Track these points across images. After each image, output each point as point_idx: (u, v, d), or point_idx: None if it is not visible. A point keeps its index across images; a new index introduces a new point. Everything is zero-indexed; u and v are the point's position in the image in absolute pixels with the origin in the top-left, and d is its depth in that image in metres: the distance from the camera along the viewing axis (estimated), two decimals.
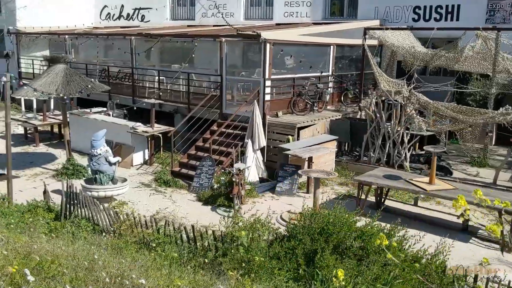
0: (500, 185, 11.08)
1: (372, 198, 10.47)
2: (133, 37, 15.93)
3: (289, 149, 11.46)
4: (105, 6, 23.79)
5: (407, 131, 12.37)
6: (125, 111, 14.33)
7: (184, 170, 12.40)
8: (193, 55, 14.77)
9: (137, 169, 13.12)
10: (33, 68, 20.25)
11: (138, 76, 16.48)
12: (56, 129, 16.52)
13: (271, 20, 19.49)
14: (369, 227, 5.74)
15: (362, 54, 14.76)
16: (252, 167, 11.72)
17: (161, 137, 13.66)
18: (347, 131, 13.23)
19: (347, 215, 6.08)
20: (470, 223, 9.19)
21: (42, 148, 15.15)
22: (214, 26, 19.14)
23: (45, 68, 20.22)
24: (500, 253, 8.07)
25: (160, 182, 11.89)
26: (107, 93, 15.26)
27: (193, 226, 6.61)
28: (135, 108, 13.83)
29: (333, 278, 4.95)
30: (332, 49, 14.98)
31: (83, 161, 13.05)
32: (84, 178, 10.77)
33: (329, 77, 15.12)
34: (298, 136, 12.33)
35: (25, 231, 6.44)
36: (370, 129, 12.60)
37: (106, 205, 8.18)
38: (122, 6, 23.22)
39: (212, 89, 14.06)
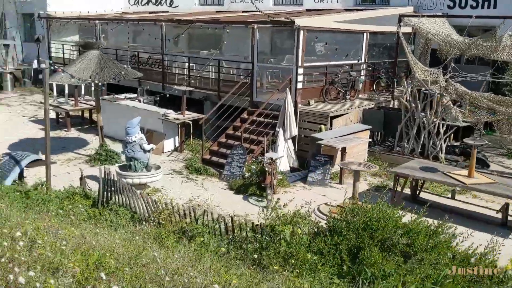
0: None
1: (406, 190, 10.27)
2: (163, 23, 15.86)
3: (321, 139, 11.30)
4: None
5: (443, 122, 12.06)
6: (157, 97, 14.31)
7: (214, 158, 12.37)
8: (224, 42, 14.60)
9: (167, 156, 13.15)
10: (63, 53, 20.41)
11: (167, 63, 16.43)
12: (86, 114, 16.66)
13: (301, 6, 19.17)
14: (416, 223, 5.58)
15: (397, 41, 14.39)
16: (283, 156, 11.60)
17: (191, 124, 13.64)
18: (380, 120, 12.98)
19: (390, 210, 5.92)
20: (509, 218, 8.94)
21: (73, 133, 15.31)
22: (243, 12, 18.93)
23: (75, 53, 20.41)
24: None
25: (191, 170, 11.89)
26: (136, 79, 15.27)
27: (232, 218, 6.55)
28: (167, 95, 13.80)
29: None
30: (365, 37, 14.65)
31: (114, 146, 13.15)
32: (118, 165, 10.83)
33: (362, 65, 14.82)
34: (331, 125, 12.14)
35: (66, 219, 6.48)
36: (405, 119, 12.32)
37: (139, 192, 8.19)
38: None
39: (243, 77, 13.92)
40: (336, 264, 5.49)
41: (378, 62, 15.47)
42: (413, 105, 12.13)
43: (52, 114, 16.94)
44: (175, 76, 16.25)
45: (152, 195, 9.67)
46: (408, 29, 15.25)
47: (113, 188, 7.91)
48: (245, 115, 13.23)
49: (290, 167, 11.80)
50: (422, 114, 12.08)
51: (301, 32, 12.10)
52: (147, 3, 23.16)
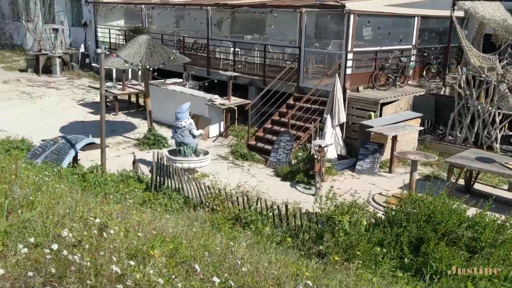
0: None
1: (460, 181, 9.93)
2: (209, 7, 15.81)
3: (371, 126, 11.04)
4: None
5: (498, 111, 11.56)
6: (206, 83, 14.31)
7: (260, 144, 12.32)
8: (271, 26, 14.43)
9: (213, 141, 13.20)
10: (109, 38, 20.73)
11: (212, 48, 16.42)
12: (133, 99, 16.92)
13: None
14: (480, 217, 5.36)
15: (450, 26, 13.83)
16: (327, 142, 11.42)
17: (236, 110, 13.62)
18: (431, 108, 12.56)
19: (453, 202, 5.71)
20: None
21: (121, 116, 15.58)
22: None
23: (120, 38, 20.70)
24: None
25: (237, 155, 11.90)
26: (181, 64, 15.33)
27: (286, 206, 6.49)
28: (215, 80, 13.79)
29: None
30: (416, 21, 14.15)
31: (161, 131, 13.31)
32: (167, 149, 10.94)
33: (412, 50, 14.35)
34: (381, 112, 11.84)
35: (120, 202, 6.59)
36: (458, 107, 11.88)
37: (191, 177, 8.24)
38: None
39: (290, 62, 13.74)
40: (396, 257, 5.36)
41: (429, 47, 14.94)
42: (468, 92, 11.67)
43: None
44: (220, 61, 16.22)
45: (200, 180, 9.75)
46: (461, 13, 14.64)
47: (166, 173, 7.99)
48: (291, 101, 13.08)
49: (337, 154, 11.62)
50: (477, 102, 11.62)
51: (352, 16, 11.78)
52: None
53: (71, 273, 2.24)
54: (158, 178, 8.13)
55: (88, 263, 2.30)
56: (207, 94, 13.64)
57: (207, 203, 6.88)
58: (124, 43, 20.00)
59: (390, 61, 12.98)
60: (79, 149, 9.09)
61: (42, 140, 9.86)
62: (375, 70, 12.96)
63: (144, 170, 9.68)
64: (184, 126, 9.80)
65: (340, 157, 11.64)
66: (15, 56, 24.26)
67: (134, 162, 9.18)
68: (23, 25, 24.37)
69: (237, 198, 6.94)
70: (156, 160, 8.15)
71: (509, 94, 11.47)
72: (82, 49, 22.09)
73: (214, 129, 13.41)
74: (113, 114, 15.65)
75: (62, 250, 2.39)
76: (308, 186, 10.08)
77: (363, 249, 5.13)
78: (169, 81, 15.40)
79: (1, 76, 20.04)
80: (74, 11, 23.60)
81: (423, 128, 12.08)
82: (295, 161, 11.02)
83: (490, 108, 11.41)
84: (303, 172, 10.39)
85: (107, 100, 16.56)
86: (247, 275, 2.92)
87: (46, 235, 3.13)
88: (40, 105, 16.36)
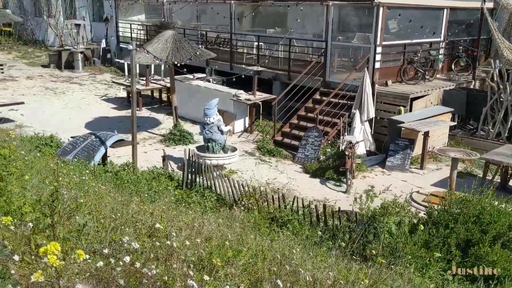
0: None
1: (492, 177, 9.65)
2: (232, 1, 15.63)
3: (402, 122, 10.80)
4: None
5: None
6: (233, 78, 14.13)
7: (286, 140, 12.16)
8: (298, 20, 14.22)
9: (238, 137, 13.08)
10: (131, 33, 20.70)
11: (235, 42, 16.26)
12: (155, 94, 16.88)
13: None
14: None
15: (480, 18, 13.44)
16: (358, 138, 11.21)
17: (261, 105, 13.47)
18: (462, 102, 12.24)
19: (501, 202, 5.51)
20: None
21: (144, 112, 15.55)
22: None
23: (142, 32, 20.66)
24: None
25: (264, 151, 11.76)
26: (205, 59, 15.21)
27: (324, 205, 6.34)
28: (243, 76, 13.63)
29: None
30: (445, 13, 13.79)
31: (185, 126, 13.22)
32: (195, 145, 10.86)
33: (441, 43, 14.00)
34: (411, 107, 11.58)
35: (154, 201, 6.51)
36: (491, 101, 11.56)
37: (224, 173, 8.13)
38: None
39: (317, 56, 13.52)
40: (443, 259, 5.18)
41: (458, 40, 14.57)
42: (501, 86, 11.34)
43: (123, 94, 17.35)
44: (243, 56, 16.06)
45: (229, 176, 9.64)
46: (490, 5, 14.26)
47: (197, 170, 7.89)
48: (317, 96, 12.88)
49: (366, 150, 11.41)
50: (510, 96, 11.29)
51: (381, 9, 11.51)
52: None
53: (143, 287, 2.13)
54: (189, 175, 8.04)
55: (166, 277, 2.19)
56: (232, 89, 13.49)
57: (242, 202, 6.76)
58: (146, 38, 20.00)
59: (419, 55, 12.68)
60: (109, 146, 9.04)
61: (72, 137, 9.86)
62: (403, 64, 12.67)
63: (172, 166, 9.61)
64: (213, 122, 9.69)
65: (369, 153, 11.43)
66: (37, 51, 24.41)
67: (164, 159, 9.11)
68: (44, 21, 24.50)
69: (273, 196, 6.80)
70: (187, 158, 8.05)
71: None
72: (103, 44, 22.11)
73: (239, 125, 13.29)
74: (137, 110, 15.53)
75: (135, 263, 2.28)
76: (338, 183, 9.91)
77: (411, 251, 4.96)
78: (193, 76, 15.30)
79: (24, 72, 20.18)
80: (95, 6, 23.63)
81: (455, 123, 11.77)
82: (324, 157, 10.85)
83: None
84: (333, 169, 10.22)
85: (130, 95, 16.56)
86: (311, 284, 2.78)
87: (100, 241, 3.03)
88: (64, 100, 16.41)
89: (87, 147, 8.68)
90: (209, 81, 14.95)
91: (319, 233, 5.42)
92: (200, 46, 12.85)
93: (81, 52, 20.68)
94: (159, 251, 2.67)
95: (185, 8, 18.47)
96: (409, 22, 12.46)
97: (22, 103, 13.05)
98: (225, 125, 10.06)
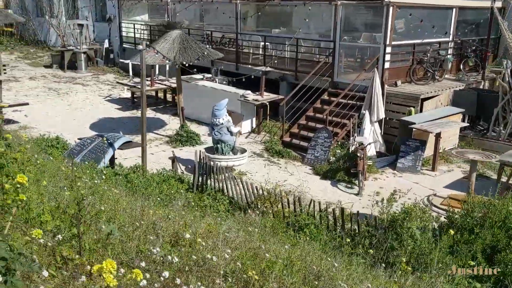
0: None
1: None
2: (238, 1, 15.47)
3: (413, 122, 10.64)
4: None
5: None
6: (243, 79, 13.92)
7: (295, 141, 12.00)
8: (306, 20, 14.05)
9: (245, 138, 12.92)
10: (134, 33, 20.53)
11: (241, 42, 16.09)
12: (160, 94, 16.72)
13: None
14: None
15: (490, 17, 13.30)
16: (369, 140, 11.06)
17: (268, 105, 13.31)
18: (473, 103, 12.08)
19: None
20: None
21: (149, 113, 15.35)
22: None
23: (145, 32, 20.49)
24: None
25: (272, 152, 11.60)
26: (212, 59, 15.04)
27: (342, 209, 6.17)
28: (252, 76, 13.43)
29: None
30: (454, 12, 13.63)
31: (192, 127, 13.05)
32: (204, 147, 10.69)
33: (449, 43, 13.85)
34: (421, 107, 11.42)
35: (166, 205, 6.35)
36: (503, 102, 11.40)
37: (234, 175, 7.96)
38: None
39: (325, 56, 13.35)
40: (467, 265, 5.02)
41: (466, 40, 14.41)
42: None
43: (127, 94, 17.18)
44: (249, 56, 15.90)
45: (241, 179, 9.48)
46: (499, 4, 14.11)
47: (209, 172, 7.73)
48: (325, 96, 12.73)
49: (376, 151, 11.25)
50: None
51: (391, 8, 11.35)
52: None
53: None
54: (200, 178, 7.87)
55: None
56: (239, 89, 13.32)
57: (257, 205, 6.60)
58: (150, 38, 19.82)
59: (428, 55, 12.52)
60: (117, 148, 8.87)
61: (79, 139, 9.69)
62: (413, 64, 12.51)
63: (181, 168, 9.44)
64: (222, 123, 9.52)
65: (379, 154, 11.27)
66: (40, 52, 24.23)
67: (173, 161, 8.94)
68: (46, 21, 24.33)
69: (288, 200, 6.64)
70: (198, 160, 7.89)
71: None
72: (106, 45, 21.94)
73: (247, 126, 13.13)
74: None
75: (175, 278, 2.11)
76: (349, 185, 9.75)
77: (436, 258, 4.80)
78: (197, 76, 15.13)
79: (27, 72, 20.00)
80: (98, 6, 23.45)
81: (467, 124, 11.60)
82: (334, 158, 10.69)
83: None
84: (344, 171, 10.06)
85: (134, 96, 16.40)
86: None
87: (126, 252, 2.87)
88: (68, 101, 16.24)
89: (95, 149, 8.52)
90: (216, 81, 14.78)
91: (348, 240, 5.24)
92: (207, 46, 12.67)
93: (84, 53, 20.50)
94: (190, 262, 2.51)
95: (188, 8, 18.30)
96: (421, 22, 12.26)
97: (27, 104, 12.88)
98: (237, 127, 9.90)
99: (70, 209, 3.25)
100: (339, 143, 11.35)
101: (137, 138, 12.63)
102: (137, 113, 15.35)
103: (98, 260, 2.57)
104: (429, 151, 10.79)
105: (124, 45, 21.51)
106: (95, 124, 13.82)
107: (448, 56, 13.49)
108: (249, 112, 13.13)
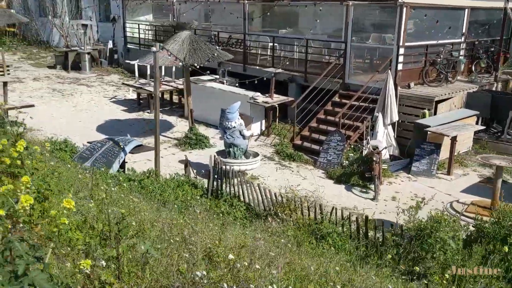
0: None
1: None
2: (246, 1, 15.26)
3: (428, 125, 10.43)
4: None
5: None
6: (255, 81, 13.67)
7: (306, 144, 11.79)
8: (317, 20, 13.84)
9: (255, 140, 12.69)
10: (139, 33, 20.31)
11: (249, 43, 15.88)
12: (166, 96, 16.50)
13: None
14: None
15: (503, 18, 13.09)
16: (384, 143, 10.85)
17: (277, 107, 13.10)
18: (487, 105, 11.87)
19: None
20: None
21: None
22: None
23: (150, 33, 20.27)
24: None
25: (283, 156, 11.39)
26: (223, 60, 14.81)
27: (366, 217, 5.96)
28: (264, 78, 13.18)
29: None
30: (466, 13, 13.42)
31: (200, 129, 12.82)
32: (212, 149, 10.49)
33: (461, 44, 13.64)
34: (435, 110, 11.21)
35: (183, 212, 6.15)
36: None
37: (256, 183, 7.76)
38: None
39: (335, 57, 13.14)
40: (503, 278, 4.81)
41: (479, 40, 14.20)
42: None
43: (132, 95, 16.96)
44: (257, 57, 15.69)
45: (259, 184, 9.26)
46: (511, 4, 13.88)
47: (225, 178, 7.52)
48: (336, 98, 12.51)
49: (389, 155, 11.04)
50: None
51: (404, 9, 11.14)
52: None
53: None
54: (215, 183, 7.66)
55: None
56: (249, 91, 13.11)
57: (277, 213, 6.38)
58: (155, 38, 19.60)
59: (442, 56, 12.31)
60: (128, 152, 8.66)
61: (89, 142, 9.48)
62: (425, 65, 12.30)
63: (192, 172, 9.22)
64: (235, 127, 9.31)
65: (392, 157, 11.06)
66: (42, 52, 24.02)
67: (186, 166, 8.72)
68: (49, 21, 24.11)
69: (308, 207, 6.43)
70: (213, 164, 7.68)
71: None
72: (110, 45, 21.72)
73: (256, 128, 12.91)
74: (148, 112, 15.23)
75: None
76: (364, 190, 9.55)
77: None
78: (204, 78, 14.90)
79: (31, 73, 19.79)
80: (102, 6, 23.23)
81: (484, 127, 11.39)
82: (347, 162, 10.48)
83: None
84: (358, 175, 9.85)
85: (140, 97, 16.19)
86: None
87: (163, 273, 2.65)
88: (73, 102, 16.03)
89: (106, 153, 8.31)
90: (224, 83, 14.56)
91: (390, 255, 5.01)
92: (217, 47, 12.46)
93: (88, 53, 20.28)
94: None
95: (193, 8, 18.08)
96: (437, 23, 12.05)
97: (33, 105, 12.65)
98: (249, 130, 9.70)
99: (98, 224, 3.04)
100: (352, 146, 11.14)
101: (145, 141, 12.45)
102: (143, 114, 15.16)
103: (138, 284, 2.36)
104: (443, 154, 10.58)
105: (128, 46, 21.29)
106: (101, 126, 13.60)
107: (460, 57, 13.28)
108: (258, 115, 12.92)
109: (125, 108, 15.80)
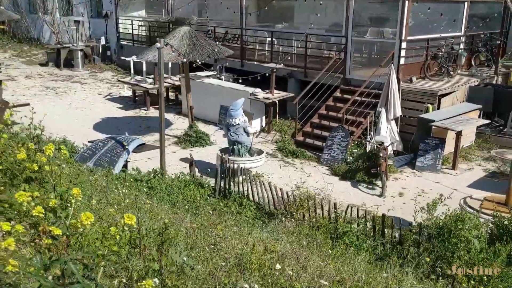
0: None
1: None
2: None
3: (432, 120, 10.34)
4: None
5: None
6: (258, 77, 13.41)
7: (309, 140, 11.64)
8: (318, 14, 13.68)
9: (256, 137, 12.50)
10: (132, 29, 19.99)
11: (246, 38, 15.67)
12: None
13: None
14: None
15: (503, 11, 13.03)
16: (388, 138, 10.72)
17: (277, 103, 12.93)
18: (489, 99, 11.81)
19: None
20: None
21: (153, 112, 14.90)
22: None
23: (143, 29, 19.96)
24: None
25: (286, 152, 11.24)
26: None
27: (383, 215, 5.83)
28: (267, 75, 12.93)
29: None
30: (466, 6, 13.33)
31: (199, 126, 12.61)
32: (213, 147, 10.30)
33: (461, 38, 13.56)
34: (438, 104, 11.12)
35: (192, 212, 5.97)
36: None
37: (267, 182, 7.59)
38: None
39: (336, 52, 12.99)
40: None
41: (478, 34, 14.14)
42: None
43: (127, 92, 16.68)
44: (255, 52, 15.49)
45: (270, 183, 9.08)
46: None
47: (233, 177, 7.34)
48: (338, 94, 12.37)
49: (393, 150, 10.93)
50: None
51: (407, 2, 11.01)
52: None
53: None
54: (222, 182, 7.48)
55: None
56: (249, 87, 12.92)
57: (290, 212, 6.22)
58: (149, 34, 19.30)
59: (443, 50, 12.21)
60: (131, 151, 8.45)
61: (89, 141, 9.24)
62: (427, 59, 12.20)
63: (197, 171, 9.03)
64: (239, 124, 9.13)
65: (396, 153, 10.96)
66: (34, 49, 23.58)
67: (191, 165, 8.53)
68: (40, 18, 23.66)
69: (322, 207, 6.29)
70: (220, 163, 7.50)
71: None
72: (103, 41, 21.37)
73: (256, 124, 12.72)
74: (144, 109, 14.99)
75: None
76: (371, 186, 9.44)
77: (501, 269, 4.48)
78: (202, 73, 14.66)
79: (23, 71, 19.40)
80: (93, 2, 22.83)
81: (488, 121, 11.31)
82: (351, 158, 10.36)
83: None
84: (363, 171, 9.73)
85: (136, 94, 15.92)
86: None
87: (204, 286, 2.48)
88: (67, 100, 15.73)
89: (108, 152, 8.08)
90: (222, 79, 14.35)
91: (410, 256, 4.87)
92: (217, 43, 12.24)
93: (81, 50, 19.93)
94: None
95: (187, 4, 17.80)
96: (441, 16, 11.94)
97: (28, 104, 12.32)
98: (254, 127, 9.53)
99: (125, 233, 2.85)
100: (355, 142, 11.01)
101: (144, 139, 12.17)
102: (139, 112, 14.90)
103: None
104: (447, 149, 10.50)
105: (121, 42, 20.96)
106: (98, 125, 13.34)
107: (460, 50, 13.20)
108: (258, 111, 12.75)
109: (121, 105, 15.53)
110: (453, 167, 10.20)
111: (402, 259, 5.23)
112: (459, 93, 11.67)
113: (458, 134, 9.93)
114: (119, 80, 17.55)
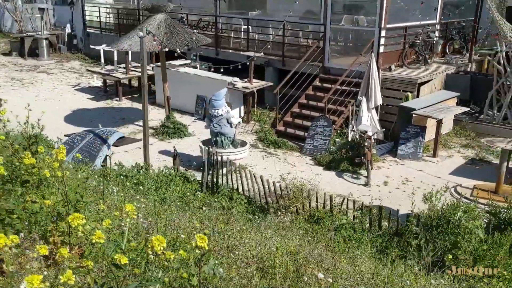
0: None
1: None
2: None
3: (413, 108, 10.37)
4: None
5: None
6: (239, 66, 13.05)
7: (290, 130, 11.50)
8: (297, 2, 13.45)
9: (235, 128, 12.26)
10: (99, 17, 19.26)
11: (220, 25, 15.31)
12: (133, 82, 15.75)
13: None
14: None
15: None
16: (370, 127, 10.69)
17: (256, 93, 12.71)
18: (466, 86, 11.95)
19: None
20: None
21: (125, 102, 14.43)
22: None
23: (110, 16, 19.26)
24: None
25: (268, 143, 11.06)
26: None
27: (380, 208, 5.75)
28: (248, 63, 12.62)
29: None
30: None
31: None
32: (191, 138, 10.01)
33: (435, 26, 13.65)
34: (418, 92, 11.16)
35: (182, 208, 5.73)
36: (497, 85, 11.31)
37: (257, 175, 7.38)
38: None
39: (313, 40, 12.85)
40: None
41: (452, 21, 14.27)
42: (508, 69, 11.09)
43: (97, 82, 16.07)
44: (230, 40, 15.17)
45: (262, 177, 8.87)
46: None
47: (221, 170, 7.11)
48: (317, 83, 12.25)
49: (374, 139, 10.90)
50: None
51: None
52: None
53: None
54: (208, 176, 7.24)
55: None
56: (227, 76, 12.62)
57: (286, 206, 6.06)
58: (117, 22, 18.64)
59: (421, 37, 12.25)
60: (111, 145, 8.07)
61: (66, 135, 8.78)
62: (405, 48, 12.21)
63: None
64: (221, 115, 8.88)
65: (377, 141, 10.94)
66: None
67: (174, 158, 8.22)
68: (1, 5, 22.50)
69: (317, 198, 6.15)
70: (207, 156, 7.25)
71: None
72: (68, 30, 20.52)
73: (235, 114, 12.42)
74: (117, 100, 14.48)
75: None
76: (355, 175, 9.39)
77: (503, 260, 4.45)
78: (176, 62, 14.24)
79: None
80: None
81: (468, 109, 11.43)
82: (334, 148, 10.28)
83: None
84: (347, 160, 9.67)
85: (107, 84, 15.35)
86: None
87: None
88: (34, 92, 15.04)
89: (87, 146, 7.70)
90: (197, 68, 13.99)
91: (411, 248, 4.78)
92: (194, 31, 11.87)
93: (46, 39, 19.06)
94: None
95: None
96: (421, 4, 11.94)
97: None
98: (238, 118, 9.31)
99: (141, 242, 2.61)
100: (337, 131, 10.94)
101: (119, 131, 11.76)
102: (112, 103, 14.37)
103: None
104: (427, 136, 10.57)
105: (88, 30, 20.18)
106: (69, 117, 12.79)
107: (436, 38, 13.30)
108: (236, 100, 12.48)
109: (92, 96, 14.95)
110: (434, 155, 10.28)
111: (402, 251, 5.15)
112: (437, 81, 11.75)
113: (439, 122, 9.99)
114: (88, 70, 16.91)
